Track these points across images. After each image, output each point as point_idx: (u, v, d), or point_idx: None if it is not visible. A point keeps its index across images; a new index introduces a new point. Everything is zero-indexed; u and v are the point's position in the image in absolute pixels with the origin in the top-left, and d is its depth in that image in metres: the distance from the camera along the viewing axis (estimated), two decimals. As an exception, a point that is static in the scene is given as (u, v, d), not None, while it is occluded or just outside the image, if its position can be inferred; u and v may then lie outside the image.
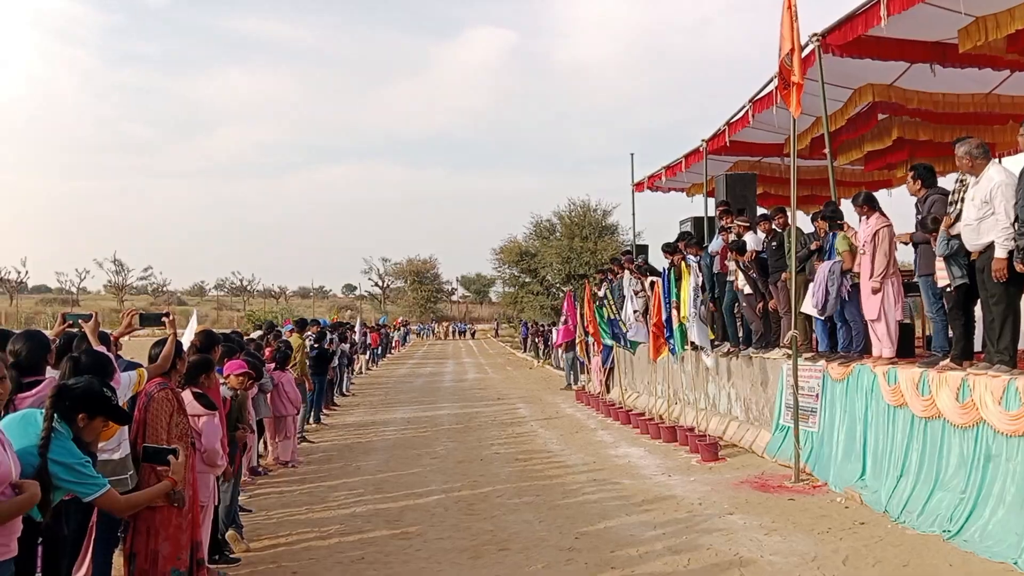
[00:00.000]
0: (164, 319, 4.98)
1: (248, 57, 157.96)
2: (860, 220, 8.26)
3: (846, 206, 11.01)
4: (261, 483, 9.53)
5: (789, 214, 9.47)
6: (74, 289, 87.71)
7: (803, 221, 12.09)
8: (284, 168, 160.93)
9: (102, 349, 4.64)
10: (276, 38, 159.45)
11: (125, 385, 4.63)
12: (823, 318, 8.90)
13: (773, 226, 10.15)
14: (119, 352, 5.57)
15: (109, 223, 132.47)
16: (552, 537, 6.92)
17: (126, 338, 5.52)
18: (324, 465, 10.76)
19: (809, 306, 8.96)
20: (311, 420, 14.34)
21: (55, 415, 3.36)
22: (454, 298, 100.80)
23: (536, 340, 36.76)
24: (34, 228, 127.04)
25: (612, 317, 15.24)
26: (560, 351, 23.76)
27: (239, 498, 7.97)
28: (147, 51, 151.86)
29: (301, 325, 14.30)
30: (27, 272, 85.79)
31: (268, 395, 9.96)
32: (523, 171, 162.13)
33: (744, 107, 11.70)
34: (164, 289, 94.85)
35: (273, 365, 10.44)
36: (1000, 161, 12.12)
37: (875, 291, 7.79)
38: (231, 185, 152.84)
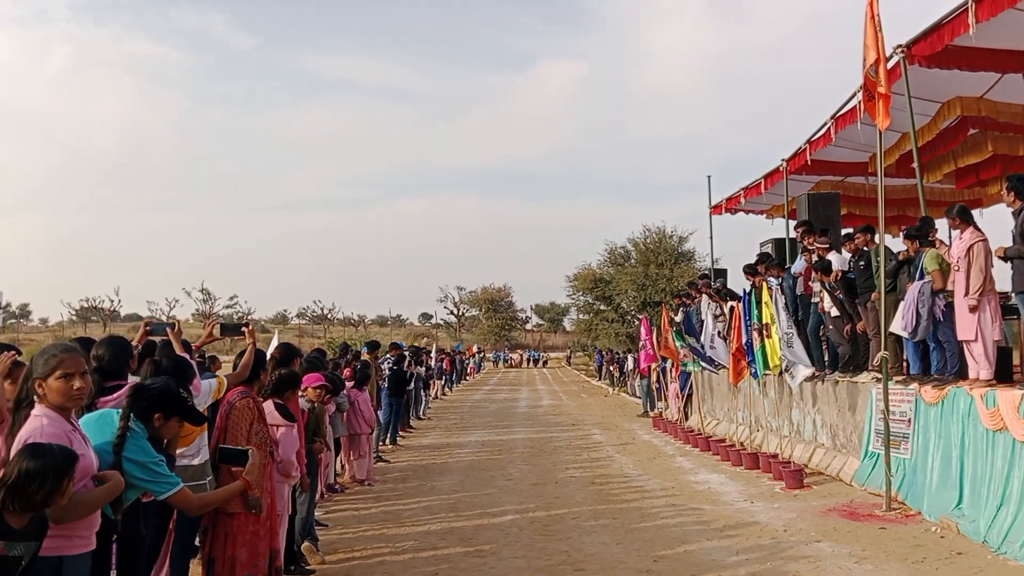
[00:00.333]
0: (244, 329, 5.06)
1: (328, 94, 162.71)
2: (953, 236, 7.90)
3: (939, 226, 10.60)
4: (337, 500, 9.59)
5: (876, 233, 9.14)
6: (164, 317, 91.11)
7: (891, 243, 11.67)
8: (363, 201, 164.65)
9: (186, 356, 4.74)
10: (355, 75, 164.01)
11: (205, 392, 4.71)
12: (915, 340, 8.49)
13: (858, 245, 9.80)
14: (202, 362, 5.69)
15: (197, 255, 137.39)
16: (630, 559, 6.74)
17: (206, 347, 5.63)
18: (400, 484, 10.78)
19: (899, 327, 8.58)
20: (387, 441, 14.45)
21: (131, 414, 3.42)
22: (528, 326, 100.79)
23: (611, 368, 36.35)
24: (127, 260, 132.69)
25: (696, 344, 14.87)
26: (637, 379, 23.44)
27: (315, 513, 8.06)
28: (233, 91, 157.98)
29: (372, 347, 14.46)
30: (120, 301, 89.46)
31: (344, 414, 10.06)
32: (599, 200, 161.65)
33: (826, 124, 11.38)
34: (248, 317, 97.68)
35: (351, 384, 10.55)
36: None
37: (972, 309, 7.40)
38: (312, 217, 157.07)
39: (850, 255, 9.97)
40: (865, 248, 9.68)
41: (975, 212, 14.84)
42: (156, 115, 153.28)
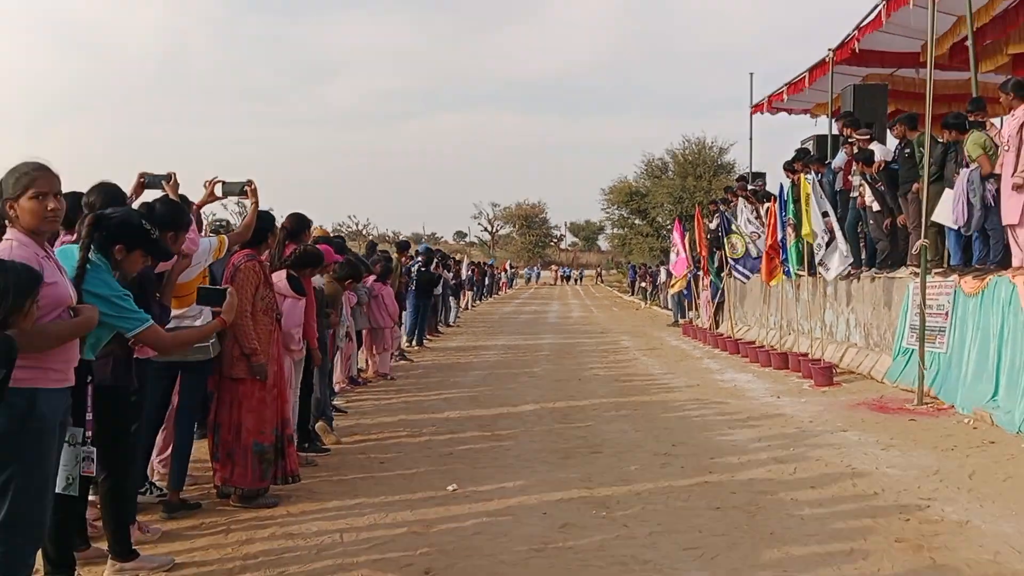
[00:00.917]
0: (247, 188, 4.83)
1: (367, 4, 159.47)
2: (1006, 115, 7.38)
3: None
4: (359, 391, 9.56)
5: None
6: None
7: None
8: (400, 116, 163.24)
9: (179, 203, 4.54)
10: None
11: (205, 250, 4.53)
12: (968, 233, 7.98)
13: (899, 134, 9.26)
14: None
15: (236, 167, 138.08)
16: (648, 443, 6.59)
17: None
18: (423, 379, 10.74)
19: (947, 219, 8.11)
20: (413, 343, 14.40)
21: (91, 246, 3.21)
22: (562, 245, 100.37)
23: (643, 283, 35.98)
24: (164, 168, 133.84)
25: (736, 256, 14.38)
26: (668, 290, 23.11)
27: (336, 401, 8.02)
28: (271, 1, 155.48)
29: (402, 247, 14.30)
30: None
31: (365, 306, 9.96)
32: (641, 116, 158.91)
33: (877, 6, 10.63)
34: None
35: (373, 277, 10.42)
36: None
37: (1017, 187, 6.92)
38: (349, 132, 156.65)
39: (896, 144, 9.44)
40: (908, 138, 9.14)
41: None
42: (193, 23, 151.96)
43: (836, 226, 9.91)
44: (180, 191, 4.61)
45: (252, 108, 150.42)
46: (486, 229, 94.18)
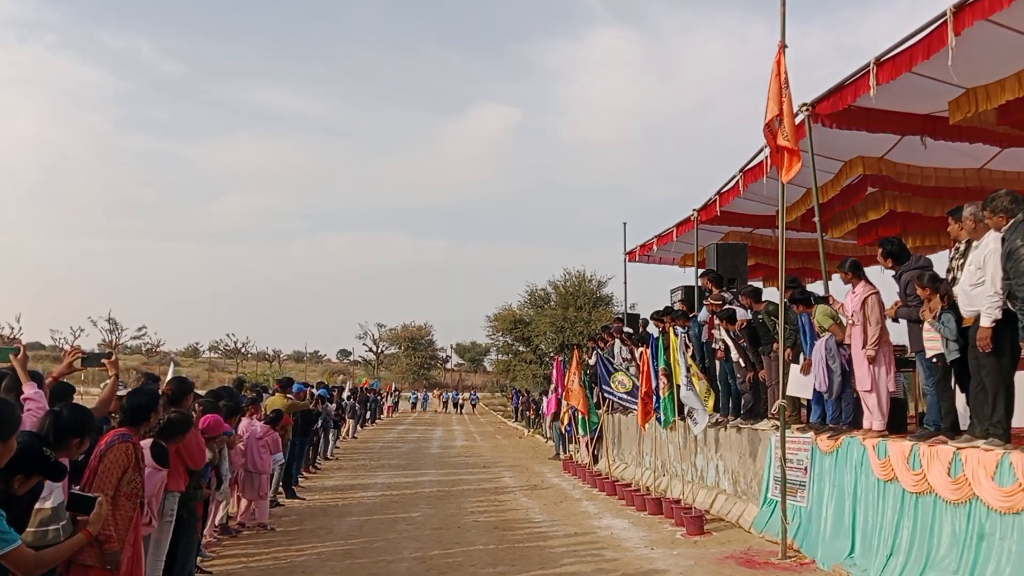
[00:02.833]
0: (104, 360, 4.74)
1: (257, 126, 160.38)
2: (848, 290, 8.12)
3: (836, 281, 10.92)
4: (228, 543, 9.13)
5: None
6: (67, 347, 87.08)
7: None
8: (287, 234, 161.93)
9: (33, 387, 4.39)
10: (286, 109, 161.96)
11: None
12: (831, 397, 8.55)
13: (751, 304, 10.02)
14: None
15: (108, 283, 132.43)
16: (524, 609, 6.56)
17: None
18: (295, 528, 10.35)
19: (803, 390, 8.75)
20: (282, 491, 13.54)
21: None
22: (448, 365, 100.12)
23: (528, 412, 36.24)
24: (32, 285, 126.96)
25: (621, 390, 14.84)
26: (549, 420, 23.40)
27: (197, 561, 7.62)
28: (159, 117, 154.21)
29: (285, 384, 13.99)
30: (21, 328, 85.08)
31: (241, 448, 9.67)
32: (523, 243, 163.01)
33: (735, 177, 11.66)
34: (157, 350, 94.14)
35: (263, 421, 10.23)
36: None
37: (870, 360, 7.58)
38: (232, 249, 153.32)
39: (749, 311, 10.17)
40: (755, 309, 9.87)
41: (877, 270, 15.47)
42: (76, 138, 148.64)
43: (695, 387, 10.47)
44: (40, 367, 4.49)
45: (132, 223, 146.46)
46: (371, 349, 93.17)
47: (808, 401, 9.15)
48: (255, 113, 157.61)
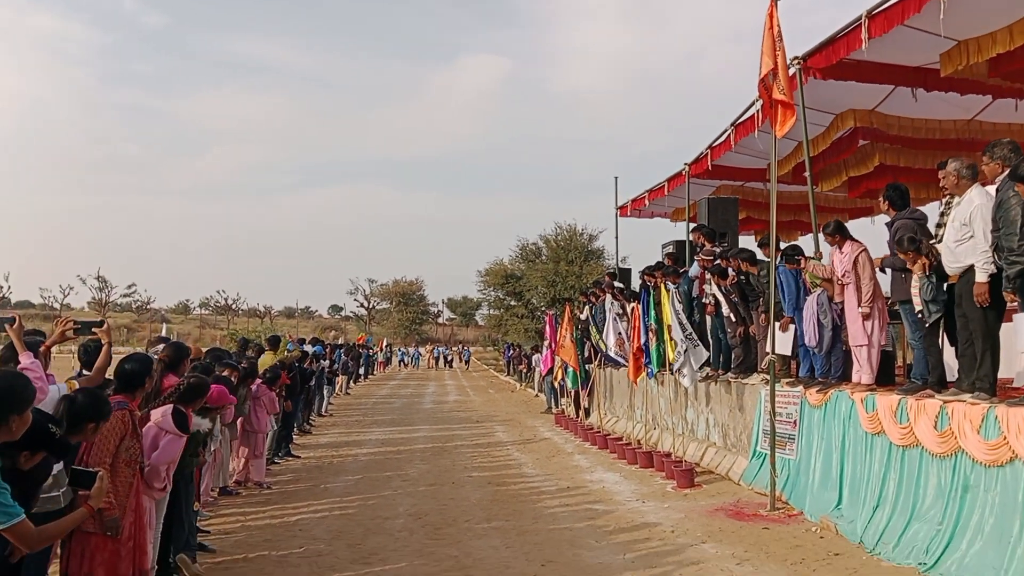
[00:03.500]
0: (95, 329, 4.74)
1: (243, 78, 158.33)
2: (832, 250, 8.15)
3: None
4: (226, 503, 9.23)
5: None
6: (57, 305, 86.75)
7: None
8: (275, 189, 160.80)
9: (29, 357, 4.39)
10: (272, 61, 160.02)
11: (53, 398, 4.37)
12: (823, 352, 8.62)
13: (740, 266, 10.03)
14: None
15: (97, 240, 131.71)
16: (518, 563, 6.69)
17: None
18: (291, 485, 10.47)
19: (779, 345, 8.84)
20: (280, 453, 13.66)
21: None
22: (440, 320, 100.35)
23: (521, 366, 36.46)
24: (20, 243, 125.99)
25: (597, 343, 15.10)
26: (542, 375, 23.57)
27: (197, 522, 7.70)
28: (142, 71, 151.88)
29: (274, 343, 14.01)
30: (9, 287, 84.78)
31: (246, 408, 9.75)
32: (514, 196, 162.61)
33: (726, 131, 11.60)
34: (148, 307, 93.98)
35: (260, 381, 10.28)
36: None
37: (866, 317, 7.64)
38: (221, 204, 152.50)
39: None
40: (746, 271, 9.89)
41: (867, 220, 15.50)
42: (60, 93, 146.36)
43: (692, 336, 10.53)
44: (31, 326, 4.49)
45: (119, 179, 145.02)
46: (362, 305, 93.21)
47: (798, 355, 9.24)
48: (240, 65, 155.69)
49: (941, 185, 6.86)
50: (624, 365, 14.55)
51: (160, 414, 5.41)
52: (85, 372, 5.37)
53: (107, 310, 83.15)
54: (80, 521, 3.84)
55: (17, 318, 4.43)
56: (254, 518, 8.58)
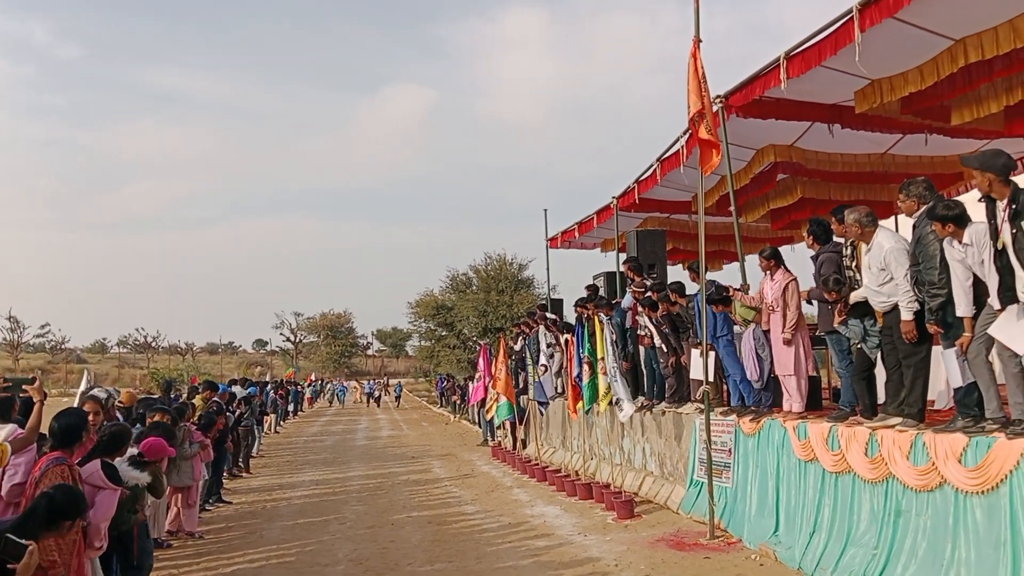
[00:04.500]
0: (26, 387, 4.60)
1: (166, 110, 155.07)
2: (765, 275, 8.41)
3: (751, 262, 11.28)
4: (157, 555, 8.87)
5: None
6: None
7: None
8: (199, 222, 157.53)
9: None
10: (195, 93, 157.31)
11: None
12: (759, 387, 8.81)
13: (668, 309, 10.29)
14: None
15: (8, 278, 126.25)
16: (464, 608, 6.62)
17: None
18: (224, 534, 10.15)
19: (698, 374, 9.10)
20: (211, 499, 13.18)
21: None
22: (370, 352, 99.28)
23: (455, 396, 36.28)
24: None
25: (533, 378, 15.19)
26: (476, 406, 23.48)
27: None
28: (58, 103, 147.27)
29: (212, 387, 13.65)
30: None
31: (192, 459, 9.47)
32: (443, 225, 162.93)
33: (652, 166, 11.89)
34: (63, 347, 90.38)
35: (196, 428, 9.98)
36: (896, 219, 12.72)
37: (787, 343, 7.88)
38: (142, 239, 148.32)
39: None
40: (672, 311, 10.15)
41: (788, 248, 16.00)
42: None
43: (619, 372, 10.72)
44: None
45: (33, 214, 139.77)
46: (289, 339, 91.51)
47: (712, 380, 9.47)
48: (160, 96, 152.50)
49: (835, 231, 7.21)
50: (555, 397, 14.66)
51: (88, 471, 5.21)
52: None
53: (19, 351, 79.63)
54: None
55: (37, 379, 4.35)
56: (187, 570, 8.29)
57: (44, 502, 3.94)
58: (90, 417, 5.53)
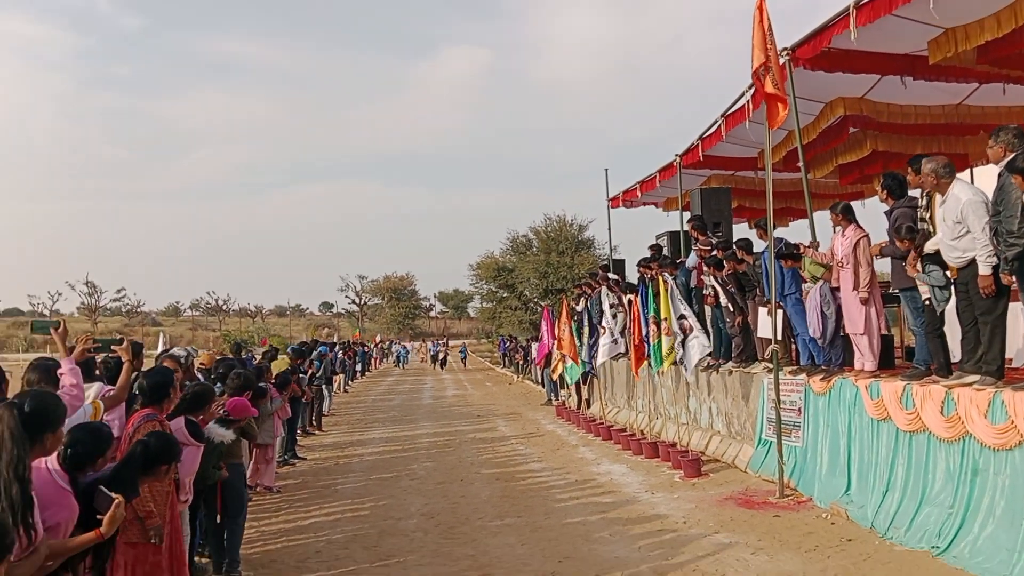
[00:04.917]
0: (115, 347, 4.85)
1: (225, 78, 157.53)
2: (836, 230, 8.25)
3: (819, 219, 11.07)
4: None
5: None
6: (46, 312, 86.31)
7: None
8: (261, 188, 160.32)
9: (70, 362, 4.55)
10: (252, 60, 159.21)
11: (79, 418, 4.44)
12: (823, 344, 8.72)
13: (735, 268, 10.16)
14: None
15: (84, 245, 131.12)
16: (535, 561, 6.78)
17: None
18: (300, 490, 10.53)
19: (766, 332, 8.99)
20: (286, 456, 13.69)
21: None
22: (432, 314, 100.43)
23: (515, 356, 36.58)
24: (7, 251, 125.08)
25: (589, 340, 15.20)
26: (540, 367, 23.65)
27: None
28: (122, 73, 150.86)
29: (301, 354, 14.18)
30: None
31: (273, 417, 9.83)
32: (501, 188, 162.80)
33: (717, 122, 11.68)
34: (138, 310, 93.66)
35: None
36: (972, 171, 12.30)
37: (863, 302, 7.75)
38: (208, 205, 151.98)
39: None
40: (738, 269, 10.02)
41: (858, 204, 15.61)
42: (37, 98, 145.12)
43: (695, 323, 10.62)
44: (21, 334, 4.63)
45: (103, 183, 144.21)
46: (354, 301, 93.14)
47: (798, 344, 9.36)
48: (220, 65, 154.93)
49: (919, 183, 6.98)
50: (620, 355, 14.65)
51: (174, 427, 5.46)
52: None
53: (97, 315, 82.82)
54: (88, 544, 3.84)
55: (62, 323, 4.59)
56: (267, 523, 8.65)
57: (140, 448, 4.13)
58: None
